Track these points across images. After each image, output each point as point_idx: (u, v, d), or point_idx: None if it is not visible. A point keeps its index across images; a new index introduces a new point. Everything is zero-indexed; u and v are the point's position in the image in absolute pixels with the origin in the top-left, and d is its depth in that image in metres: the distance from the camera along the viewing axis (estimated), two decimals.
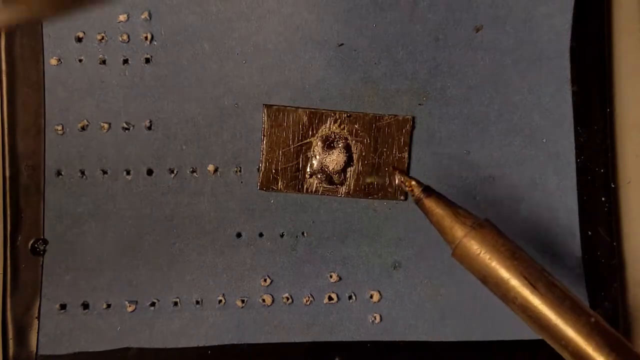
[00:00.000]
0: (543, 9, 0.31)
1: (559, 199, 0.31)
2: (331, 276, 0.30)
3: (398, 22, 0.30)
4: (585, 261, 0.30)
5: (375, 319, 0.30)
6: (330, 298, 0.30)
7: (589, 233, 0.31)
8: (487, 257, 0.25)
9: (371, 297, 0.30)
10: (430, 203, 0.27)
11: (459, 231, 0.26)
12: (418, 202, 0.27)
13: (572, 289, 0.30)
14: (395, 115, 0.30)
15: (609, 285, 0.30)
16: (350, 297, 0.30)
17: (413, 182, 0.28)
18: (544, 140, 0.31)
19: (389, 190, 0.30)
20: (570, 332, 0.24)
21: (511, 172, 0.31)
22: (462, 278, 0.29)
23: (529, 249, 0.30)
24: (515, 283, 0.25)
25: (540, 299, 0.25)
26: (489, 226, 0.26)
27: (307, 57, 0.30)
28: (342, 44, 0.30)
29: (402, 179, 0.28)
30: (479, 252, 0.25)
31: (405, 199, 0.30)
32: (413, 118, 0.30)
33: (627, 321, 0.30)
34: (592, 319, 0.24)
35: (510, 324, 0.29)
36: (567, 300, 0.25)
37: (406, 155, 0.30)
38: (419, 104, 0.30)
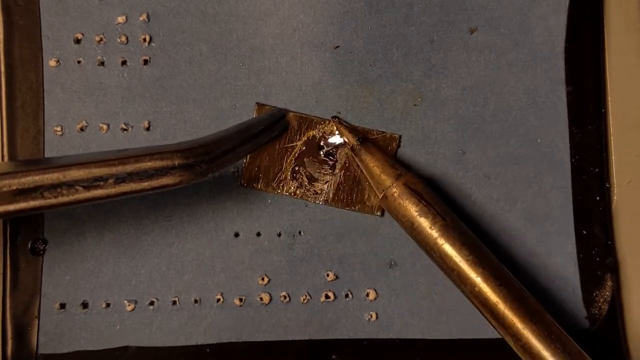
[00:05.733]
0: (537, 10, 0.31)
1: (553, 198, 0.31)
2: (328, 275, 0.30)
3: (393, 24, 0.30)
4: (580, 260, 0.31)
5: (371, 317, 0.30)
6: (327, 296, 0.30)
7: (584, 232, 0.31)
8: (410, 205, 0.27)
9: (367, 295, 0.30)
10: (364, 152, 0.29)
11: (387, 180, 0.28)
12: (353, 150, 0.29)
13: (566, 287, 0.30)
14: (383, 132, 0.30)
15: (603, 284, 0.31)
16: (346, 296, 0.30)
17: (348, 132, 0.29)
18: (539, 140, 0.31)
19: (367, 204, 0.30)
20: (471, 273, 0.27)
21: (506, 171, 0.31)
22: None
23: (523, 247, 0.31)
24: (434, 232, 0.27)
25: (454, 247, 0.27)
26: (414, 177, 0.28)
27: (303, 59, 0.30)
28: (337, 46, 0.30)
29: (339, 128, 0.30)
30: (402, 199, 0.27)
31: (382, 214, 0.30)
32: (399, 137, 0.30)
33: (622, 319, 0.30)
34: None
35: None
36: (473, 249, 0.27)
37: None
38: (414, 105, 0.31)
